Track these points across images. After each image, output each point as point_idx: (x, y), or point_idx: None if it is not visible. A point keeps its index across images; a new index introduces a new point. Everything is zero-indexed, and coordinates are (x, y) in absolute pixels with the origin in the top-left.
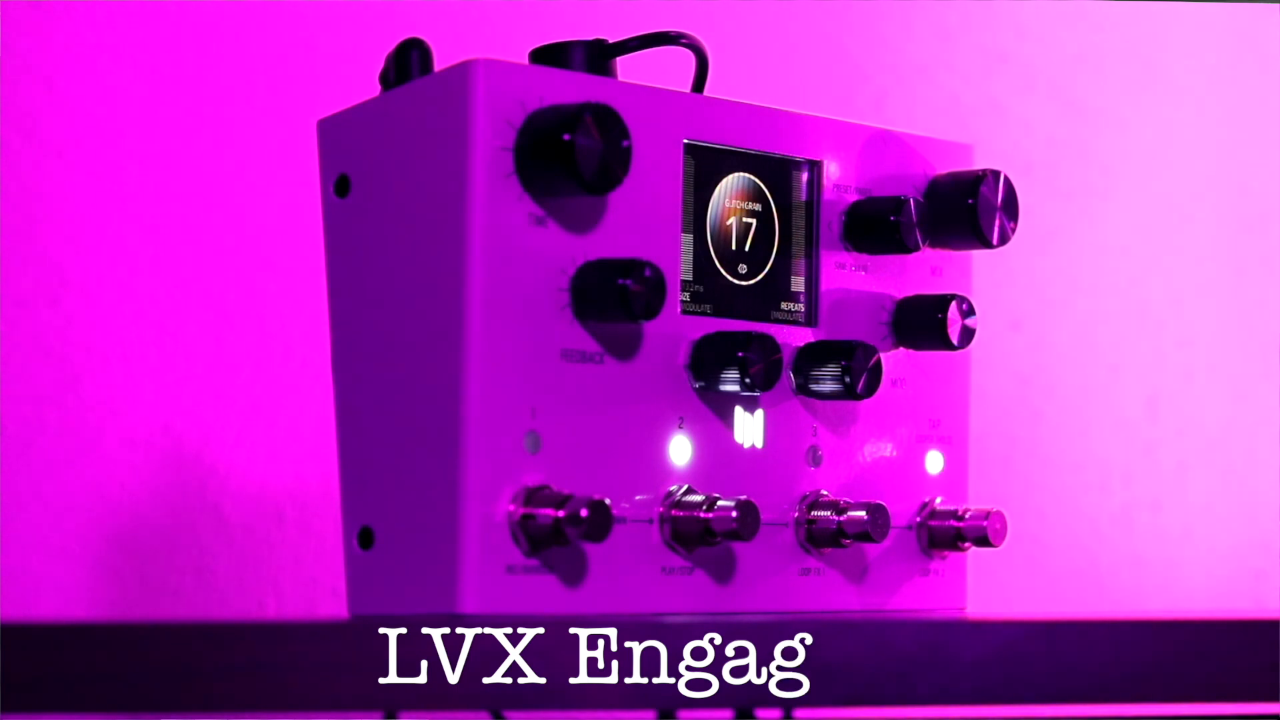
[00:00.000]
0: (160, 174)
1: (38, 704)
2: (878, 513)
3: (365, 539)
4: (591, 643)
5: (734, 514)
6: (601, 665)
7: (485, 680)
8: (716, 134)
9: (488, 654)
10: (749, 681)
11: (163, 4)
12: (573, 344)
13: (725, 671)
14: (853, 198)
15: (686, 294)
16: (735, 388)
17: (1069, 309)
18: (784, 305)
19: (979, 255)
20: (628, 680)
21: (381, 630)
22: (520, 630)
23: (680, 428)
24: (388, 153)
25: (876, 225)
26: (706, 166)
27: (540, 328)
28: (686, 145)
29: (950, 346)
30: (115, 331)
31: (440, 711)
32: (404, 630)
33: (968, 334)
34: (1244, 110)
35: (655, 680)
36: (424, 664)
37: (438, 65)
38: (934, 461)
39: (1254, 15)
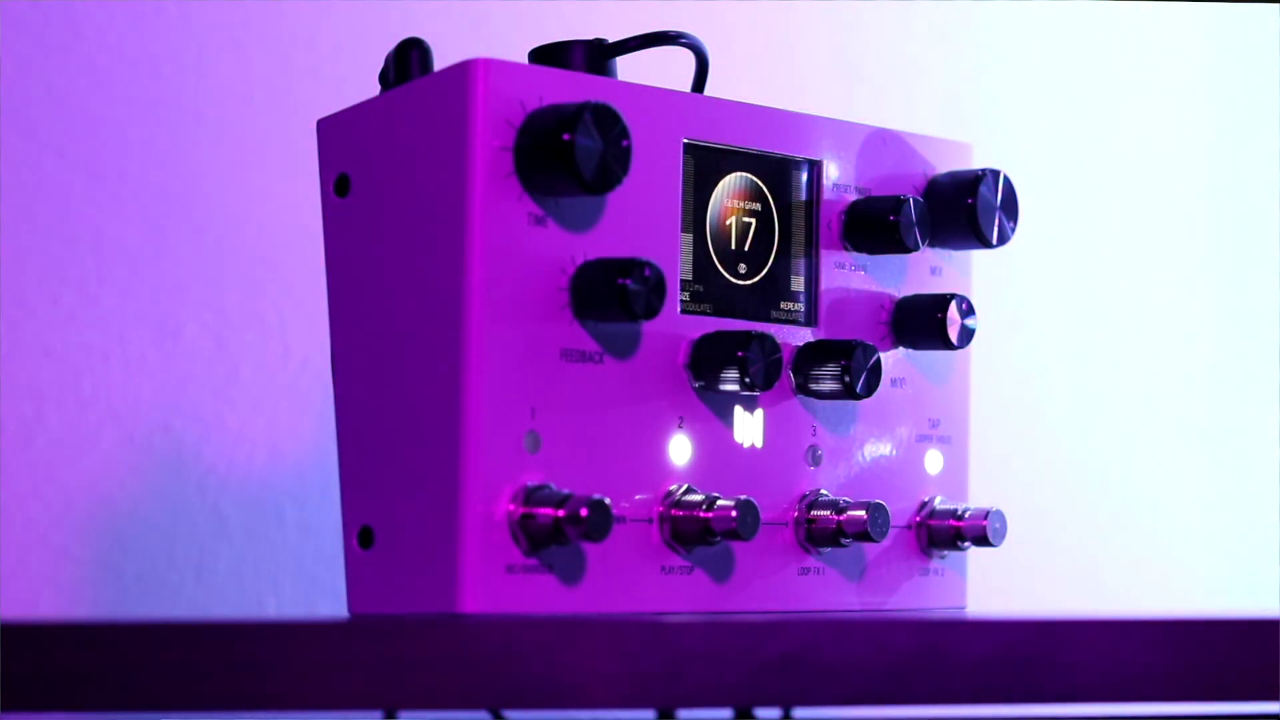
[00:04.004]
0: (160, 174)
1: (38, 704)
2: (877, 512)
3: (365, 539)
4: (591, 642)
5: (733, 513)
6: (601, 665)
7: (485, 680)
8: (716, 134)
9: (488, 654)
10: (749, 681)
11: (163, 4)
12: (572, 344)
13: (725, 671)
14: (852, 197)
15: (686, 293)
16: (735, 387)
17: (1069, 309)
18: (784, 305)
19: (979, 255)
20: (628, 680)
21: (381, 630)
22: (520, 630)
23: (680, 427)
24: (388, 153)
25: (876, 225)
26: (706, 166)
27: (540, 327)
28: (686, 145)
29: (950, 346)
30: (115, 331)
31: (440, 711)
32: (404, 630)
33: (967, 334)
34: (1243, 110)
35: (655, 680)
36: (424, 664)
37: (438, 65)
38: (934, 461)
39: (1253, 15)
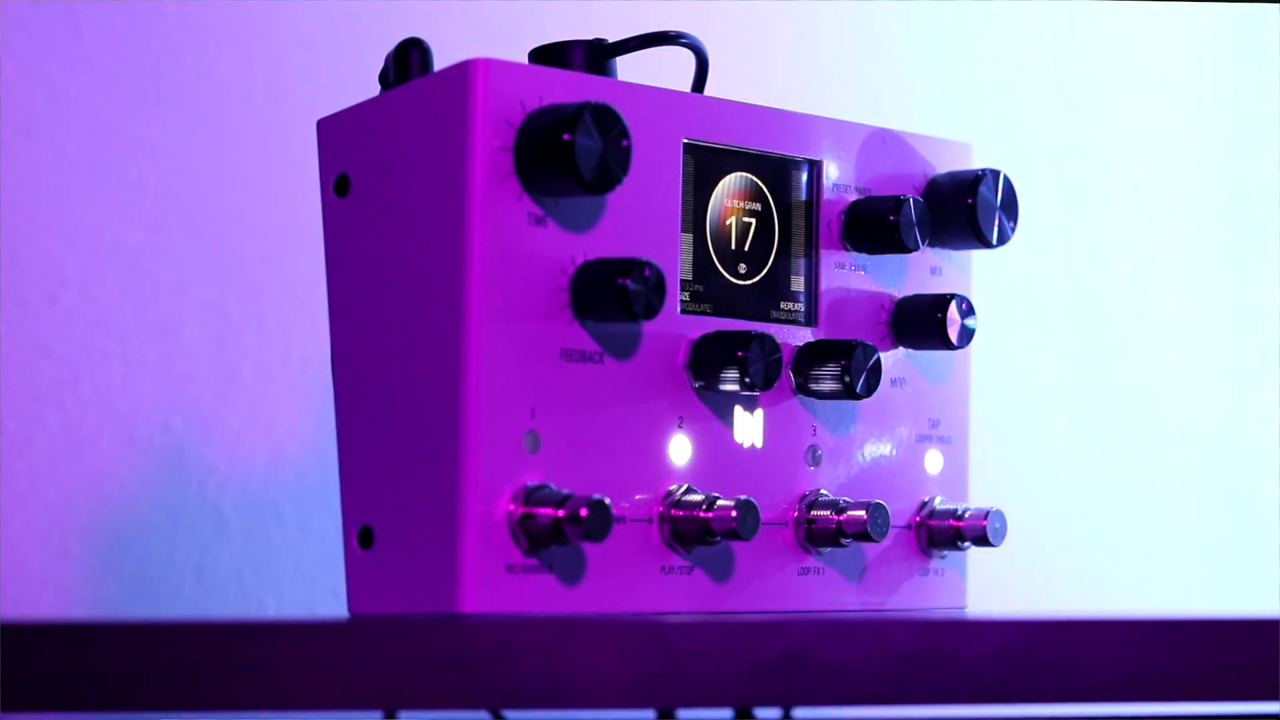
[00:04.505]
0: (160, 173)
1: (38, 704)
2: (877, 512)
3: (365, 539)
4: (591, 642)
5: (733, 513)
6: (601, 665)
7: (485, 680)
8: (716, 134)
9: (488, 654)
10: (749, 681)
11: (163, 4)
12: (572, 344)
13: (725, 671)
14: (852, 197)
15: (686, 293)
16: (735, 387)
17: (1069, 309)
18: (784, 305)
19: (979, 255)
20: (628, 680)
21: (381, 630)
22: (520, 630)
23: (680, 427)
24: (388, 153)
25: (876, 225)
26: (706, 166)
27: (540, 327)
28: (686, 145)
29: (950, 346)
30: (115, 331)
31: (440, 711)
32: (404, 630)
33: (967, 334)
34: (1243, 110)
35: (655, 680)
36: (424, 664)
37: (438, 65)
38: (934, 461)
39: (1252, 15)
